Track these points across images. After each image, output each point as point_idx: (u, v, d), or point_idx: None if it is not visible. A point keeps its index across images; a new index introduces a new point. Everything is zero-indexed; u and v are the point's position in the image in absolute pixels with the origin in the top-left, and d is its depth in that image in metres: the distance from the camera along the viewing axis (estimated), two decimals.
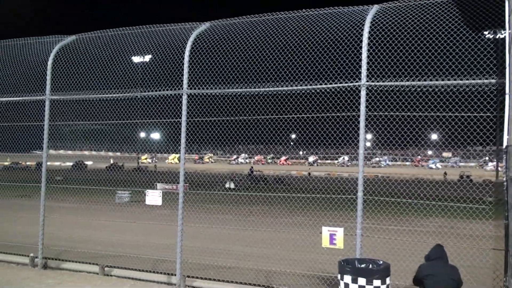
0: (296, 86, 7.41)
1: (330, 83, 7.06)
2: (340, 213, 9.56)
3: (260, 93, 7.75)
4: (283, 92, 7.59)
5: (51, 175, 9.45)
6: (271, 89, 7.64)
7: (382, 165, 53.19)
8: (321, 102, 7.47)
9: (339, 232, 6.84)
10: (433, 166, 52.99)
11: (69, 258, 9.23)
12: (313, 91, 7.36)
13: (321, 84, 7.16)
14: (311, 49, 7.68)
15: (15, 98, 9.39)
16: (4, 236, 10.73)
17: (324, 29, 7.39)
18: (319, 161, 56.03)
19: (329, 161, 56.02)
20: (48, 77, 8.99)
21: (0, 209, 13.71)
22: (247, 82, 7.89)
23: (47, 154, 9.18)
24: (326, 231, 6.90)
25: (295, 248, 10.09)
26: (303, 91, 7.46)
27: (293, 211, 11.27)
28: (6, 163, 33.49)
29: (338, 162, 51.51)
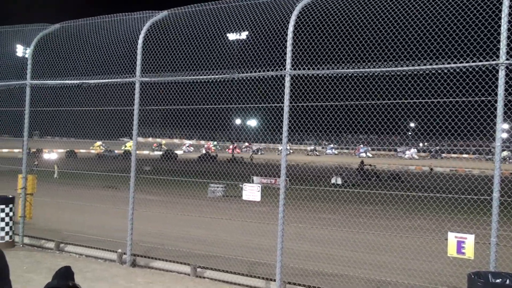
0: (417, 65, 7.50)
1: (461, 62, 7.08)
2: (471, 217, 9.57)
3: (371, 73, 7.94)
4: (404, 72, 7.72)
5: (140, 165, 10.46)
6: (393, 69, 7.77)
7: None
8: (444, 84, 7.53)
9: (469, 239, 6.92)
10: None
11: (159, 256, 10.23)
12: (437, 71, 7.43)
13: (449, 63, 7.20)
14: (436, 23, 7.77)
15: (104, 80, 10.54)
16: (91, 230, 12.12)
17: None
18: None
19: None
20: (139, 57, 9.99)
21: (87, 200, 15.40)
22: (353, 61, 8.12)
23: (136, 142, 10.19)
24: (453, 237, 7.01)
25: (414, 256, 10.28)
26: (426, 71, 7.54)
27: (412, 212, 11.39)
28: (93, 151, 36.73)
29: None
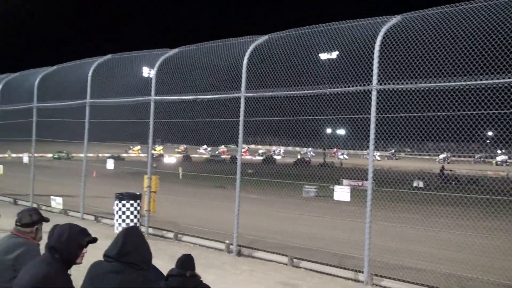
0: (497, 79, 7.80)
1: None
2: None
3: (456, 87, 8.29)
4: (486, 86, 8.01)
5: (244, 168, 11.45)
6: (469, 83, 8.13)
7: None
8: None
9: None
10: None
11: (260, 247, 11.20)
12: None
13: None
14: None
15: (214, 96, 11.72)
16: (203, 223, 13.34)
17: None
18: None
19: None
20: (243, 75, 10.98)
21: (200, 197, 16.77)
22: (433, 75, 8.52)
23: (241, 148, 11.22)
24: None
25: (493, 255, 10.36)
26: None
27: (492, 214, 11.43)
28: (205, 156, 38.95)
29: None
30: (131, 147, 46.39)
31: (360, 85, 9.42)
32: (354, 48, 9.81)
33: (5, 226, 6.75)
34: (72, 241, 3.53)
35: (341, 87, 9.78)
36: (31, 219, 4.52)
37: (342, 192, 10.03)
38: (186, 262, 5.15)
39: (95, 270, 3.28)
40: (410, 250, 11.37)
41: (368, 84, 9.27)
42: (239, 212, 11.19)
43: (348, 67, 9.82)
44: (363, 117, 9.42)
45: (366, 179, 9.37)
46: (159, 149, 45.26)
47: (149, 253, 3.36)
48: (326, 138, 11.17)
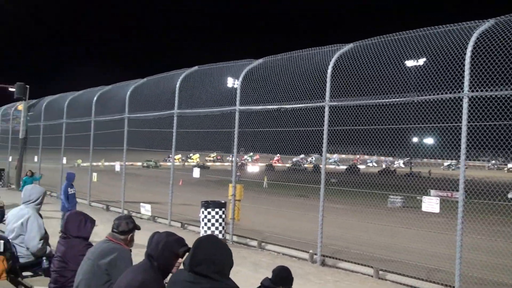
0: None
1: None
2: None
3: None
4: None
5: (327, 178, 11.27)
6: None
7: None
8: None
9: None
10: None
11: (343, 257, 10.95)
12: None
13: None
14: None
15: (298, 105, 11.63)
16: (285, 232, 13.28)
17: None
18: None
19: None
20: (328, 84, 10.86)
21: (282, 207, 16.77)
22: None
23: (326, 158, 11.06)
24: None
25: None
26: None
27: None
28: (287, 165, 39.25)
29: None
30: (170, 156, 47.56)
31: (450, 93, 9.01)
32: (442, 55, 9.40)
33: (99, 232, 7.00)
34: (168, 249, 3.55)
35: (430, 94, 9.39)
36: (128, 227, 4.66)
37: (430, 203, 9.62)
38: (279, 276, 5.05)
39: (174, 277, 3.26)
40: (504, 265, 10.66)
41: (459, 91, 8.85)
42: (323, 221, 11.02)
43: (436, 74, 9.43)
44: (454, 125, 9.00)
45: (455, 190, 8.95)
46: (195, 157, 45.95)
47: (226, 262, 3.08)
48: (412, 147, 10.75)
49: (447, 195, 11.15)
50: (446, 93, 9.10)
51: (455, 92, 8.92)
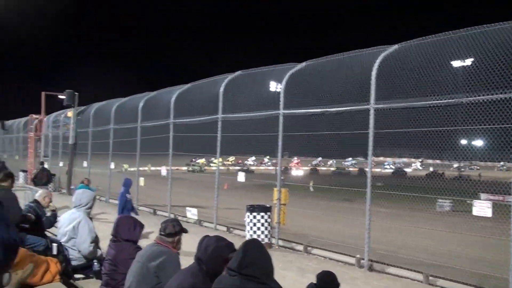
0: None
1: None
2: None
3: None
4: None
5: (373, 181, 11.06)
6: None
7: None
8: None
9: None
10: None
11: (391, 262, 10.71)
12: None
13: None
14: None
15: (342, 108, 11.51)
16: (331, 236, 13.14)
17: None
18: None
19: None
20: (372, 86, 10.68)
21: (327, 210, 16.61)
22: None
23: (372, 162, 10.88)
24: None
25: None
26: None
27: None
28: (332, 168, 39.08)
29: None
30: (193, 159, 47.63)
31: (501, 93, 8.70)
32: (491, 54, 9.07)
33: (146, 235, 7.13)
34: (217, 254, 3.58)
35: (479, 95, 9.09)
36: (174, 230, 4.78)
37: (482, 207, 9.30)
38: (323, 281, 5.00)
39: (217, 284, 3.26)
40: None
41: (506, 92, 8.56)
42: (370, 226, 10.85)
43: (485, 74, 9.11)
44: (506, 127, 8.68)
45: (508, 193, 8.63)
46: (216, 161, 45.64)
47: (270, 266, 3.23)
48: (460, 150, 10.43)
49: (499, 199, 10.73)
50: (497, 93, 8.80)
51: (506, 93, 8.63)
